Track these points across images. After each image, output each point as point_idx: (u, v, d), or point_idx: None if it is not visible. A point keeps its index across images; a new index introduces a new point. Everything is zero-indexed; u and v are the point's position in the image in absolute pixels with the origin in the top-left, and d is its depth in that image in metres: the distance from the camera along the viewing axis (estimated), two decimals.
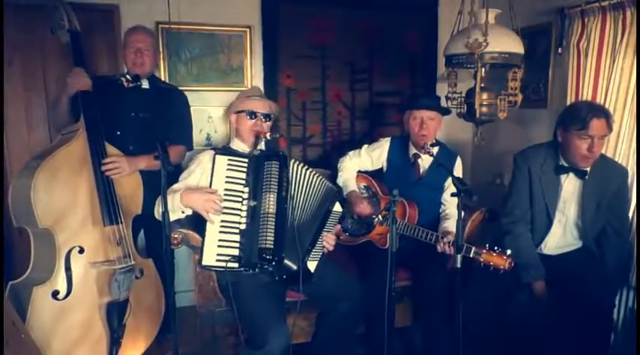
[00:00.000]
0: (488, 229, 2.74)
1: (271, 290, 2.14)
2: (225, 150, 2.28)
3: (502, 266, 2.13)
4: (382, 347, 1.94)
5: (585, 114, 2.14)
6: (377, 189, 2.67)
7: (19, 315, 1.94)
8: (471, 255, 2.16)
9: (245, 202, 2.10)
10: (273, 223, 2.06)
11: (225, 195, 2.10)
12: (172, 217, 2.08)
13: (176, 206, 2.07)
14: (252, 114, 2.27)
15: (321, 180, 2.23)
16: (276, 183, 2.09)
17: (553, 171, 2.31)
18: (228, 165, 2.14)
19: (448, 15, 3.24)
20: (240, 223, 2.09)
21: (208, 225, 2.07)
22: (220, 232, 2.08)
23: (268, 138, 2.22)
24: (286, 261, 2.07)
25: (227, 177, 2.12)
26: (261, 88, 3.18)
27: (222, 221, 2.08)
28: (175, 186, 2.18)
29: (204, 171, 2.18)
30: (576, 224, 2.37)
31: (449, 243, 2.27)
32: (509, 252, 2.14)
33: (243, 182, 2.13)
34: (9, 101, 2.88)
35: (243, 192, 2.12)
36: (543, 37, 2.90)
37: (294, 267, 2.08)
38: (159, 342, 2.39)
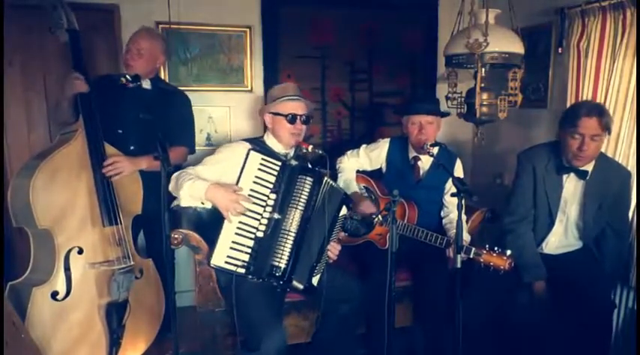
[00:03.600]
0: (488, 229, 2.73)
1: (271, 291, 2.13)
2: (261, 146, 2.20)
3: (502, 267, 2.12)
4: (382, 347, 1.94)
5: (577, 113, 2.15)
6: (376, 190, 2.67)
7: (19, 316, 1.94)
8: (471, 256, 2.15)
9: (268, 209, 2.05)
10: (292, 242, 2.03)
11: (250, 196, 2.04)
12: (189, 203, 2.05)
13: (198, 196, 2.02)
14: (293, 119, 2.19)
15: (337, 191, 2.18)
16: (305, 202, 2.05)
17: (555, 170, 2.31)
18: (261, 165, 2.06)
19: (448, 15, 3.24)
20: (258, 229, 2.04)
21: (226, 224, 2.01)
22: (236, 234, 2.03)
23: (310, 150, 2.14)
24: (294, 282, 2.06)
25: (256, 177, 2.05)
26: (261, 88, 3.19)
27: (240, 222, 2.03)
28: (200, 171, 2.11)
29: (234, 164, 2.10)
30: (577, 224, 2.36)
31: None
32: (509, 252, 2.13)
33: (271, 186, 2.07)
34: (9, 101, 2.88)
35: (268, 197, 2.06)
36: (543, 37, 2.90)
37: (301, 287, 2.07)
38: (159, 342, 2.39)
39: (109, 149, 2.23)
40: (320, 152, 2.14)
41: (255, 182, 2.05)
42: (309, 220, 2.07)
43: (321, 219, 2.11)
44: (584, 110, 2.15)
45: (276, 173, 2.07)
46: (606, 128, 2.15)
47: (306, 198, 2.06)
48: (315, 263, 2.12)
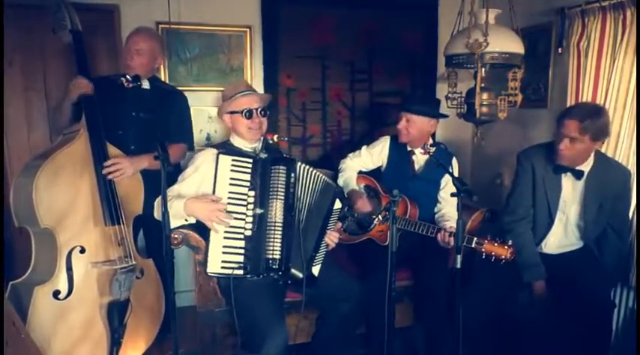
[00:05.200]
0: (488, 229, 2.74)
1: (271, 290, 2.13)
2: (228, 148, 2.22)
3: (503, 256, 2.12)
4: (382, 347, 1.94)
5: (564, 113, 2.17)
6: (378, 188, 2.68)
7: (19, 315, 1.94)
8: (473, 246, 2.16)
9: (250, 207, 2.06)
10: (280, 232, 2.04)
11: (230, 198, 2.05)
12: (175, 224, 2.06)
13: (179, 214, 2.04)
14: (249, 113, 2.19)
15: (323, 180, 2.19)
16: (284, 190, 2.06)
17: (552, 170, 2.32)
18: (232, 165, 2.07)
19: (448, 15, 3.23)
20: (245, 229, 2.05)
21: (212, 232, 2.04)
22: (225, 238, 2.04)
23: (275, 140, 2.16)
24: (293, 271, 2.06)
25: (231, 178, 2.07)
26: (261, 88, 3.19)
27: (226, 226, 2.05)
28: (178, 189, 2.13)
29: (206, 171, 2.12)
30: (577, 224, 2.36)
31: (450, 233, 2.26)
32: (510, 242, 2.14)
33: (248, 184, 2.08)
34: (9, 101, 2.88)
35: (247, 195, 2.07)
36: (543, 37, 2.90)
37: (300, 276, 2.07)
38: (159, 342, 2.39)
39: (112, 149, 2.24)
40: (285, 139, 2.21)
41: (231, 184, 2.07)
42: (294, 207, 2.08)
43: (311, 207, 2.13)
44: (570, 111, 2.17)
45: (249, 170, 2.09)
46: (587, 133, 2.09)
47: (284, 186, 2.07)
48: (314, 252, 2.12)
